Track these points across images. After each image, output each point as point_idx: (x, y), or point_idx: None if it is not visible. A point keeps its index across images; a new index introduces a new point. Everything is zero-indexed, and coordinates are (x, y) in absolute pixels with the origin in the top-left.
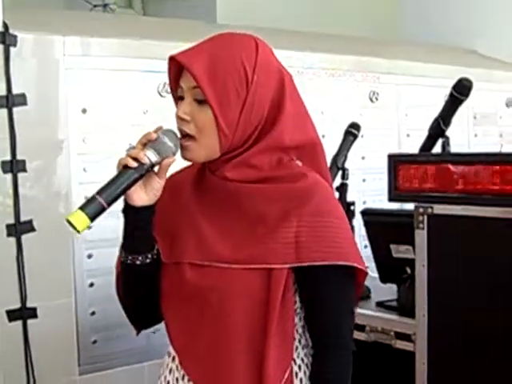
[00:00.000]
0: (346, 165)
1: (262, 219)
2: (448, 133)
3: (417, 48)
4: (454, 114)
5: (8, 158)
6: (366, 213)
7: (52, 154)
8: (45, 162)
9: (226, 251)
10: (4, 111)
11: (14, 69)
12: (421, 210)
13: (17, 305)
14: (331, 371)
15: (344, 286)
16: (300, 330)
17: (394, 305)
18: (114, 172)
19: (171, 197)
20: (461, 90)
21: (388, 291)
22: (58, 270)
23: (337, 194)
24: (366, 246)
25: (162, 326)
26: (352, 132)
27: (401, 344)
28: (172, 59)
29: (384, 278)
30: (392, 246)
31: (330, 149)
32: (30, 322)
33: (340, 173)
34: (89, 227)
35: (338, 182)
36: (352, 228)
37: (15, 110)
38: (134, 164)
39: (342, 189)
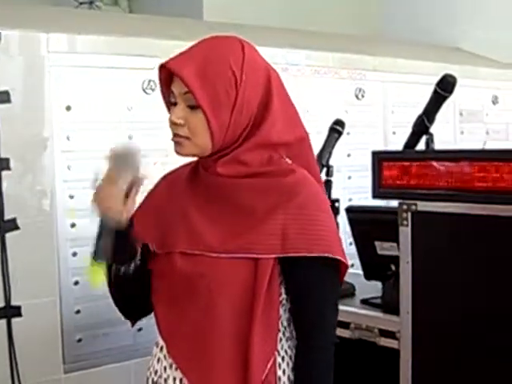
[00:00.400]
0: (332, 162)
1: (250, 211)
2: (434, 130)
3: (402, 45)
4: (438, 111)
5: None
6: (350, 210)
7: (36, 152)
8: (29, 159)
9: (216, 241)
10: None
11: None
12: (405, 206)
13: (1, 303)
14: (315, 364)
15: (328, 277)
16: (285, 323)
17: (378, 302)
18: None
19: (165, 193)
20: (445, 87)
21: (373, 288)
22: (42, 268)
23: None
24: (350, 243)
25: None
26: (336, 129)
27: (385, 341)
28: (162, 66)
29: (369, 275)
30: (377, 243)
31: (315, 146)
32: (14, 320)
33: (324, 170)
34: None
35: (322, 179)
36: (337, 225)
37: None
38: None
39: (327, 186)
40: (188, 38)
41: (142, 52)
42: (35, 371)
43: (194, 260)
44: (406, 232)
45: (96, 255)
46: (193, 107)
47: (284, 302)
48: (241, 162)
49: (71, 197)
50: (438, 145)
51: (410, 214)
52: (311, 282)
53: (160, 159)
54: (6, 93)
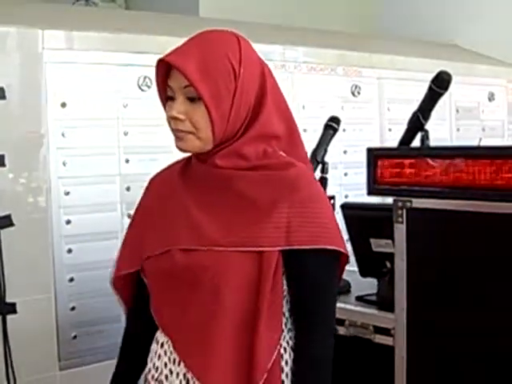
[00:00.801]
0: (328, 159)
1: (253, 203)
2: (430, 127)
3: (398, 42)
4: (433, 108)
5: None
6: (345, 207)
7: (31, 149)
8: (24, 156)
9: (219, 235)
10: None
11: None
12: (400, 203)
13: None
14: (317, 355)
15: (330, 269)
16: (287, 314)
17: (373, 299)
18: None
19: (157, 193)
20: (440, 84)
21: (368, 285)
22: (37, 264)
23: None
24: (346, 240)
25: None
26: (332, 126)
27: (380, 338)
28: (160, 61)
29: (364, 272)
30: (372, 240)
31: (311, 143)
32: (9, 317)
33: (320, 167)
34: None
35: (317, 175)
36: None
37: None
38: None
39: (322, 183)
40: (184, 34)
41: (138, 49)
42: (30, 368)
43: (196, 255)
44: (401, 229)
45: None
46: (193, 99)
47: (285, 293)
48: (240, 155)
49: (67, 193)
50: (434, 142)
51: (405, 210)
52: (314, 274)
53: (155, 156)
54: (1, 89)
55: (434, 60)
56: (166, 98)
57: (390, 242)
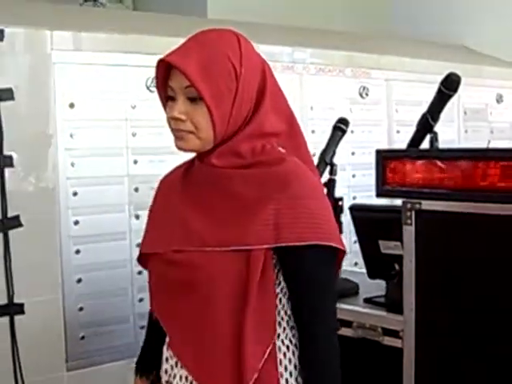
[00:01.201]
0: (336, 160)
1: (242, 202)
2: (438, 129)
3: (407, 43)
4: (442, 110)
5: None
6: (354, 208)
7: (40, 149)
8: (32, 157)
9: (209, 235)
10: None
11: (1, 63)
12: (408, 205)
13: (4, 300)
14: (320, 352)
15: (324, 264)
16: (289, 312)
17: (382, 301)
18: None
19: (163, 197)
20: (449, 86)
21: (376, 287)
22: (45, 265)
23: (325, 190)
24: (354, 242)
25: None
26: (340, 127)
27: (388, 340)
28: (160, 61)
29: (372, 274)
30: (381, 242)
31: (319, 144)
32: (17, 317)
33: (328, 168)
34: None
35: (326, 177)
36: (340, 224)
37: (2, 104)
38: None
39: (330, 184)
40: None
41: (146, 50)
42: (38, 368)
43: (187, 256)
44: (409, 231)
45: None
46: (194, 99)
47: (285, 290)
48: (236, 153)
49: (75, 194)
50: (442, 144)
51: (413, 212)
52: (309, 270)
53: (163, 157)
54: (10, 90)
55: (443, 62)
56: (167, 99)
57: (398, 243)
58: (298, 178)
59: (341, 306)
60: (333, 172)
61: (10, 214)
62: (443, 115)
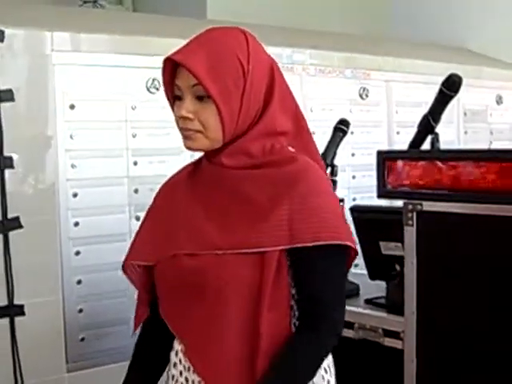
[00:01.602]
0: (336, 161)
1: (253, 203)
2: (438, 130)
3: (407, 45)
4: (443, 111)
5: None
6: (355, 209)
7: (40, 151)
8: (32, 158)
9: (220, 238)
10: None
11: (1, 64)
12: (410, 206)
13: (4, 302)
14: (314, 346)
15: (336, 264)
16: (297, 313)
17: (382, 302)
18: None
19: (166, 200)
20: (450, 86)
21: (377, 288)
22: (45, 266)
23: None
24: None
25: None
26: (341, 128)
27: (389, 341)
28: (167, 60)
29: (373, 275)
30: (381, 243)
31: (319, 146)
32: (17, 319)
33: (329, 169)
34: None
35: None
36: None
37: (2, 105)
38: None
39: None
40: (192, 36)
41: (146, 51)
42: (38, 370)
43: (199, 260)
44: (411, 232)
45: None
46: (201, 98)
47: (294, 291)
48: (246, 153)
49: (75, 195)
50: (442, 145)
51: (415, 213)
52: (321, 270)
53: (163, 158)
54: (10, 91)
55: (442, 63)
56: (174, 98)
57: (399, 244)
58: (309, 177)
59: None
60: (334, 173)
61: (9, 216)
62: (443, 116)
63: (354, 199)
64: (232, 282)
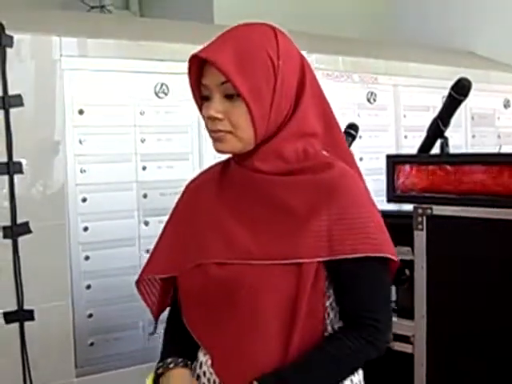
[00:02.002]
0: None
1: (290, 212)
2: (446, 133)
3: (414, 49)
4: (453, 115)
5: (4, 159)
6: None
7: (49, 156)
8: (41, 163)
9: (254, 247)
10: (0, 112)
11: (10, 70)
12: (420, 210)
13: (13, 307)
14: (352, 348)
15: (378, 276)
16: (336, 326)
17: (392, 307)
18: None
19: (191, 202)
20: (460, 91)
21: None
22: (54, 271)
23: None
24: None
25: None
26: (350, 133)
27: (399, 346)
28: (193, 58)
29: None
30: None
31: None
32: (26, 324)
33: None
34: None
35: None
36: None
37: (12, 111)
38: None
39: None
40: (199, 41)
41: (154, 56)
42: (47, 375)
43: (231, 269)
44: (420, 236)
45: None
46: (231, 96)
47: (334, 305)
48: (279, 156)
49: (84, 200)
50: (450, 149)
51: (425, 218)
52: (361, 283)
53: (172, 163)
54: (19, 96)
55: (450, 67)
56: (201, 99)
57: (408, 249)
58: (348, 186)
59: None
60: None
61: (19, 221)
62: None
63: None
64: (266, 293)
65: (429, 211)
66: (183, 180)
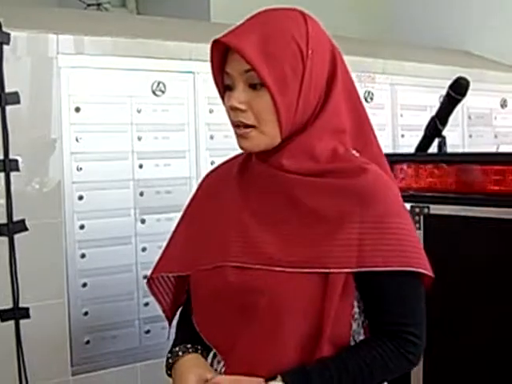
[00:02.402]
0: None
1: (318, 217)
2: (443, 133)
3: (411, 48)
4: (450, 114)
5: (0, 156)
6: None
7: (45, 153)
8: (38, 161)
9: (278, 252)
10: None
11: (7, 67)
12: (417, 210)
13: (9, 305)
14: (386, 355)
15: (410, 291)
16: (360, 338)
17: None
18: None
19: (209, 198)
20: (458, 90)
21: None
22: (50, 269)
23: None
24: None
25: (155, 326)
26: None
27: None
28: (216, 43)
29: None
30: None
31: None
32: (22, 322)
33: None
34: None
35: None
36: None
37: (8, 108)
38: None
39: None
40: (196, 39)
41: (151, 54)
42: (43, 373)
43: (251, 274)
44: (418, 235)
45: None
46: (255, 86)
47: (356, 316)
48: (310, 154)
49: (80, 198)
50: (448, 148)
51: (422, 217)
52: (391, 298)
53: (169, 161)
54: (16, 94)
55: (447, 66)
56: (224, 88)
57: None
58: (383, 193)
59: None
60: None
61: (15, 218)
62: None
63: None
64: (288, 303)
65: (426, 210)
66: (180, 178)
